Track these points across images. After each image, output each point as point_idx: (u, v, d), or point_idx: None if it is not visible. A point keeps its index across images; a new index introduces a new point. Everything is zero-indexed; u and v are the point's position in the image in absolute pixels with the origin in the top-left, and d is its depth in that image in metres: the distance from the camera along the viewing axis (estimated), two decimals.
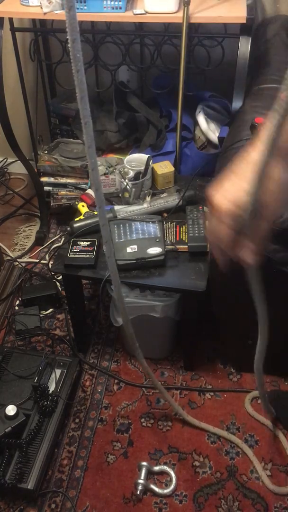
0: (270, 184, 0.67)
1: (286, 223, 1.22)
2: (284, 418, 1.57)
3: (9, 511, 1.42)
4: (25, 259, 2.24)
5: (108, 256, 0.86)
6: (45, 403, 1.53)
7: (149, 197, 1.72)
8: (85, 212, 1.73)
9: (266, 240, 0.70)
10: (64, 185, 2.15)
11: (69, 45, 0.57)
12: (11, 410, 1.47)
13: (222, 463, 1.51)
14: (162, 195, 1.69)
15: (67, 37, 0.56)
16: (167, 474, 1.48)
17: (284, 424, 1.57)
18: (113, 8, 1.67)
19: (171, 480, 1.47)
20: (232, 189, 0.70)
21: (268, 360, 1.17)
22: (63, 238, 2.27)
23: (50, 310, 1.99)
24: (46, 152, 2.13)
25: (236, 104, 1.69)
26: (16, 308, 1.99)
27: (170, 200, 1.66)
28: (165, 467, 1.49)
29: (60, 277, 2.00)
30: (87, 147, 0.66)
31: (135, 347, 1.21)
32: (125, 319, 1.12)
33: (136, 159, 1.80)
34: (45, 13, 1.71)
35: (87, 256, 1.54)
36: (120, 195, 1.75)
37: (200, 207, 1.63)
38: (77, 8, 1.70)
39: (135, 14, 1.66)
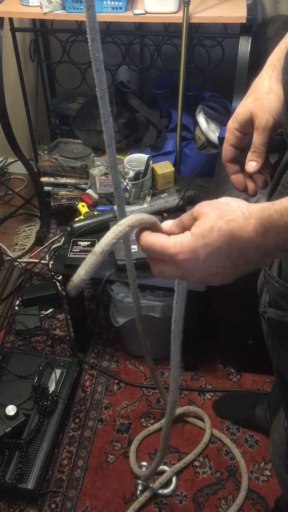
0: (260, 95, 0.74)
1: None
2: (235, 416, 1.61)
3: (9, 511, 1.42)
4: (25, 259, 2.24)
5: (128, 269, 0.88)
6: (45, 403, 1.53)
7: (149, 197, 1.72)
8: (85, 212, 1.73)
9: (267, 150, 0.75)
10: (64, 185, 2.15)
11: (89, 44, 0.58)
12: (11, 410, 1.47)
13: (222, 463, 1.51)
14: (162, 195, 1.69)
15: (87, 36, 0.57)
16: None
17: (236, 421, 1.60)
18: (113, 8, 1.67)
19: (171, 480, 1.47)
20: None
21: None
22: (63, 238, 2.27)
23: (50, 310, 1.99)
24: (46, 152, 2.13)
25: (236, 104, 1.69)
26: (16, 308, 1.99)
27: (170, 200, 1.66)
28: (165, 467, 1.49)
29: (60, 277, 2.00)
30: (107, 146, 0.66)
31: (148, 349, 1.21)
32: (140, 322, 1.12)
33: (136, 159, 1.80)
34: (45, 13, 1.71)
35: (87, 256, 1.54)
36: None
37: None
38: (77, 8, 1.70)
39: (135, 14, 1.66)
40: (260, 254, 0.55)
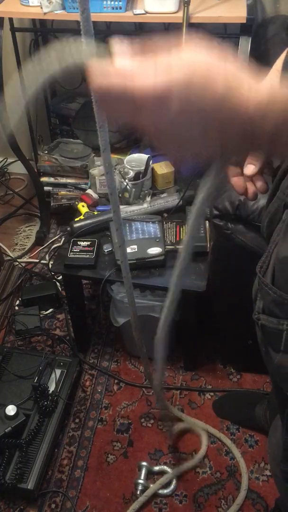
0: None
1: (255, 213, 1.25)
2: (235, 416, 1.61)
3: (9, 511, 1.42)
4: (25, 259, 2.24)
5: (121, 260, 0.89)
6: (45, 403, 1.53)
7: (149, 197, 1.72)
8: (85, 212, 1.73)
9: None
10: (64, 185, 2.15)
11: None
12: (11, 410, 1.47)
13: (222, 463, 1.51)
14: (162, 195, 1.69)
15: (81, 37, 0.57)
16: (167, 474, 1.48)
17: (236, 421, 1.60)
18: (113, 8, 1.67)
19: (171, 480, 1.47)
20: None
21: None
22: (63, 238, 2.27)
23: (50, 310, 1.99)
24: (46, 152, 2.13)
25: None
26: (16, 308, 1.99)
27: (170, 200, 1.66)
28: (165, 467, 1.49)
29: (60, 277, 1.99)
30: (102, 151, 0.66)
31: (142, 352, 1.21)
32: (134, 323, 1.12)
33: (136, 159, 1.80)
34: (45, 13, 1.71)
35: (87, 256, 1.54)
36: (120, 195, 1.75)
37: None
38: (77, 8, 1.70)
39: (135, 14, 1.66)
40: (246, 140, 0.46)
